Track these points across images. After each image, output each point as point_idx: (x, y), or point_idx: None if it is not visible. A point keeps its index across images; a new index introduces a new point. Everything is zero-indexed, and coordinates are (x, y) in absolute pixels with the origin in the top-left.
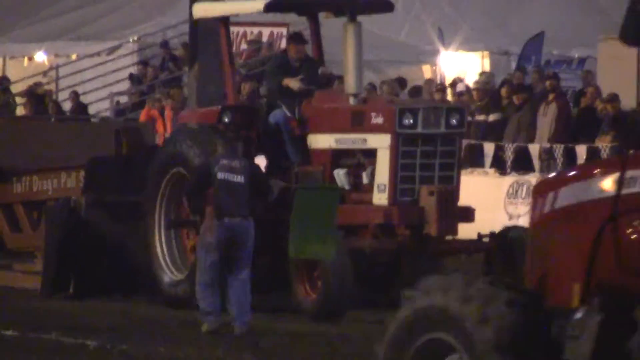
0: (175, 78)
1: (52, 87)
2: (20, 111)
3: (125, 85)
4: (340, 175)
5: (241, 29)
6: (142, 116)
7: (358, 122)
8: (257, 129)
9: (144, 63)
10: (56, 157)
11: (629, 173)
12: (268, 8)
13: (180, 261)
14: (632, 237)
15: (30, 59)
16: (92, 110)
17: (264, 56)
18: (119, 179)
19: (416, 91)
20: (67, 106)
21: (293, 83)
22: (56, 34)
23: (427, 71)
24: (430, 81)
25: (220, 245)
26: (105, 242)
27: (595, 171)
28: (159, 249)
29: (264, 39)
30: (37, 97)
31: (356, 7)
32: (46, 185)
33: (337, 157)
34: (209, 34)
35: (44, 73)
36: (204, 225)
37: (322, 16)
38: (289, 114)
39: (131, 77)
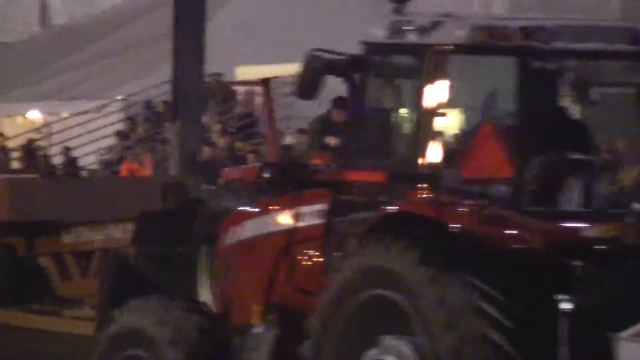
0: (157, 133)
1: (45, 142)
2: (14, 165)
3: (112, 141)
4: None
5: None
6: (123, 170)
7: None
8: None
9: (131, 120)
10: (103, 210)
11: (301, 209)
12: None
13: None
14: (302, 264)
15: (25, 117)
16: (80, 164)
17: (240, 113)
18: (166, 231)
19: None
20: (58, 160)
21: (332, 141)
22: (49, 94)
23: None
24: None
25: None
26: (153, 290)
27: (273, 208)
28: (205, 299)
29: (240, 96)
30: (30, 152)
31: None
32: (94, 236)
33: None
34: (189, 93)
35: (38, 130)
36: None
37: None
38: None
39: (118, 133)
